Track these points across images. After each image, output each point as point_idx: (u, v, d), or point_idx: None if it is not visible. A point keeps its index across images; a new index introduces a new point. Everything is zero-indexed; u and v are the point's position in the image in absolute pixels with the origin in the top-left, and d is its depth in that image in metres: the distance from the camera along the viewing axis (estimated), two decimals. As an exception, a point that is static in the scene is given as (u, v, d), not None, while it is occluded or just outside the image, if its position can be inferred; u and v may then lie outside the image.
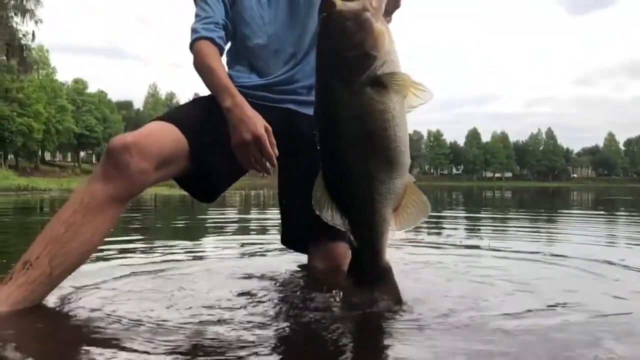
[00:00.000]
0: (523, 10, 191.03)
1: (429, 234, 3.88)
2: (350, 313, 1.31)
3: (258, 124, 1.44)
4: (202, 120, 1.58)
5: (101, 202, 1.36)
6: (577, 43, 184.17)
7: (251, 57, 1.73)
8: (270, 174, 1.53)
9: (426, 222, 5.13)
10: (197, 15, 1.65)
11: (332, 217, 1.23)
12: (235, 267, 2.17)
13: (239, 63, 1.77)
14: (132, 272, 1.98)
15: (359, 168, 1.18)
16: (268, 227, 4.52)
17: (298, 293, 1.62)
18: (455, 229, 4.59)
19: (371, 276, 1.29)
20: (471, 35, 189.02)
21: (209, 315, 1.33)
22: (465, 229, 4.70)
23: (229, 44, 1.78)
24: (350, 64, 1.14)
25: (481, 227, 4.75)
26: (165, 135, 1.48)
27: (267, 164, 1.48)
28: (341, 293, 1.36)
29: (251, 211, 7.07)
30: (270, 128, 1.46)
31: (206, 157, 1.56)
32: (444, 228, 4.53)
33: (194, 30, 1.61)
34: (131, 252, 2.69)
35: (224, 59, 1.70)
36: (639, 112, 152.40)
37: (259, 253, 2.66)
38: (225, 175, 1.70)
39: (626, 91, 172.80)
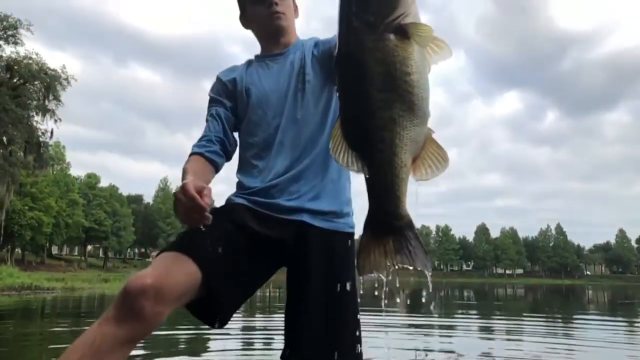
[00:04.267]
0: (523, 114, 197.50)
1: (440, 341, 3.71)
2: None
3: (188, 180, 1.42)
4: (212, 244, 1.56)
5: (112, 345, 1.30)
6: (577, 141, 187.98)
7: (256, 157, 1.74)
8: (207, 222, 1.41)
9: (439, 329, 4.92)
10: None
11: (348, 162, 1.21)
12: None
13: (243, 168, 1.80)
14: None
15: (381, 112, 1.16)
16: (271, 336, 4.34)
17: None
18: (468, 337, 4.39)
19: (391, 226, 1.20)
20: (469, 130, 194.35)
21: None
22: (480, 337, 4.49)
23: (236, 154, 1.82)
24: (374, 8, 1.16)
25: (495, 336, 4.54)
26: (181, 272, 1.44)
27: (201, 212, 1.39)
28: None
29: (256, 315, 6.86)
30: (204, 186, 1.40)
31: (217, 283, 1.53)
32: (458, 336, 4.33)
33: (191, 149, 1.71)
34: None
35: (227, 173, 1.74)
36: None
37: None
38: (236, 298, 1.65)
39: (633, 187, 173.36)
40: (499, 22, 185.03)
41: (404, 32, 1.16)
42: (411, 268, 1.22)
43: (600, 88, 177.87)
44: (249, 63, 1.87)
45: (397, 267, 1.22)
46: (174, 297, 1.41)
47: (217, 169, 1.74)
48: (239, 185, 1.75)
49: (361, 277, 1.27)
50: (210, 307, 1.59)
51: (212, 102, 1.83)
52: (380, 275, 1.22)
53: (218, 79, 1.85)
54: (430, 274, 1.22)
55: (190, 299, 1.52)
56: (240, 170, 1.80)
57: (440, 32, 1.17)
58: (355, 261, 1.24)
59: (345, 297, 1.70)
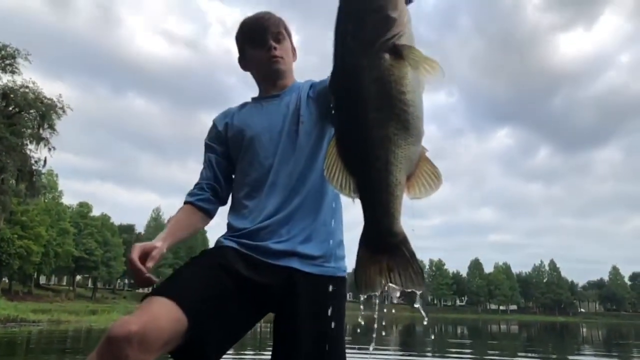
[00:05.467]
0: (516, 150, 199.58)
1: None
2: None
3: (156, 240, 1.56)
4: (200, 289, 1.53)
5: None
6: (570, 177, 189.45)
7: (247, 198, 1.72)
8: (152, 282, 1.55)
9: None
10: None
11: (341, 184, 1.23)
12: None
13: (234, 209, 1.78)
14: None
15: (376, 130, 1.18)
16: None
17: None
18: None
19: (387, 244, 1.21)
20: (462, 165, 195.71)
21: None
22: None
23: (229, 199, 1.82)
24: (370, 27, 1.17)
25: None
26: (167, 318, 1.41)
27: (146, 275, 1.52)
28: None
29: (246, 351, 6.71)
30: (154, 247, 1.54)
31: (204, 330, 1.49)
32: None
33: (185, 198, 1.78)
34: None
35: (221, 217, 1.73)
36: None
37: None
38: (222, 344, 1.60)
39: (625, 224, 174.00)
40: (491, 60, 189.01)
41: (399, 53, 1.17)
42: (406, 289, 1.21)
43: (592, 125, 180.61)
44: (244, 105, 1.89)
45: (391, 286, 1.21)
46: (159, 344, 1.36)
47: (209, 215, 1.78)
48: (229, 226, 1.73)
49: (361, 297, 1.26)
50: (196, 354, 1.54)
51: (206, 148, 1.87)
52: (375, 293, 1.22)
53: (213, 124, 1.88)
54: (421, 292, 1.22)
55: (175, 345, 1.47)
56: (231, 211, 1.79)
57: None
58: (354, 280, 1.23)
59: (333, 344, 1.65)
